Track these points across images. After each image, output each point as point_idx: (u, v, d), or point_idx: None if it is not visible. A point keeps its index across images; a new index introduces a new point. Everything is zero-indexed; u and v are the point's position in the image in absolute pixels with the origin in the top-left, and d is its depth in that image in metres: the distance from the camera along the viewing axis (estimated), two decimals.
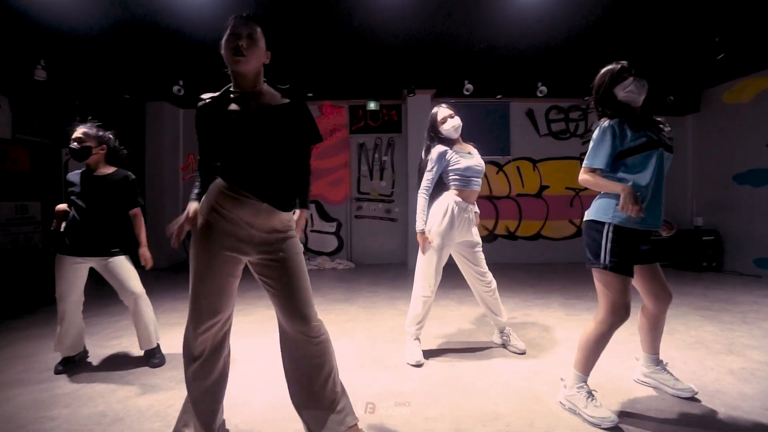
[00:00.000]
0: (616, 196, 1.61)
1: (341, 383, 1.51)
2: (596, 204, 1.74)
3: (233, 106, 1.41)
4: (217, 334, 1.41)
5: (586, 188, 6.17)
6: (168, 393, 1.96)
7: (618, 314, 1.65)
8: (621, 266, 1.63)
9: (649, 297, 1.85)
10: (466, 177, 2.35)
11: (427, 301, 2.42)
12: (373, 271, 5.64)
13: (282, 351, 1.49)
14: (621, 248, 1.64)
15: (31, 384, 2.07)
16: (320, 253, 6.26)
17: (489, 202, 6.26)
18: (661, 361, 1.96)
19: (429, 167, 2.36)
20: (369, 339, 2.80)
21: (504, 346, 2.56)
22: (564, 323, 3.14)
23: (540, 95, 5.40)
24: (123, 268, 2.26)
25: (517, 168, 6.31)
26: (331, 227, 6.35)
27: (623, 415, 1.72)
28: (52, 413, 1.77)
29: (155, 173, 6.07)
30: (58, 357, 2.31)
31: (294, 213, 1.60)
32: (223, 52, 1.40)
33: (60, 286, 2.17)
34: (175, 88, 5.27)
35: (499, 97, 5.71)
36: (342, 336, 2.85)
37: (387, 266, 6.01)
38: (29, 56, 4.44)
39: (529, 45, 4.35)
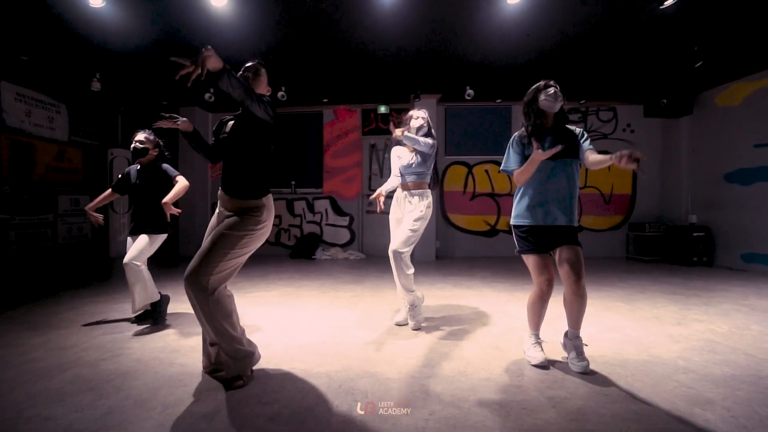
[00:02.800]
0: (519, 200, 2.13)
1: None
2: None
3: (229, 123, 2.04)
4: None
5: (584, 186, 6.51)
6: None
7: (538, 286, 2.08)
8: (523, 250, 2.11)
9: (562, 277, 2.04)
10: (401, 173, 2.86)
11: (392, 261, 2.76)
12: (381, 261, 6.16)
13: None
14: (522, 239, 2.11)
15: (109, 329, 2.70)
16: (334, 245, 6.84)
17: (491, 199, 6.69)
18: (579, 337, 2.11)
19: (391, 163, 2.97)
20: (370, 308, 3.32)
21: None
22: None
23: None
24: (139, 241, 2.78)
25: None
26: (344, 221, 6.92)
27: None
28: (128, 344, 2.38)
29: (187, 171, 6.72)
30: (122, 315, 2.98)
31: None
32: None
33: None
34: (207, 95, 5.95)
35: (498, 101, 6.13)
36: (348, 306, 3.39)
37: None
38: (85, 70, 5.18)
39: (523, 54, 4.78)
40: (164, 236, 2.90)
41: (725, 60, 4.86)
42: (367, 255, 6.70)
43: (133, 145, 2.88)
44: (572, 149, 2.06)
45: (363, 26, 4.11)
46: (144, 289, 2.73)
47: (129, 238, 2.85)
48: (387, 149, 6.86)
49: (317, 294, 3.88)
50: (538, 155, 1.94)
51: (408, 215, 2.78)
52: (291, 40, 4.42)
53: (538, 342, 2.19)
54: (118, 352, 2.26)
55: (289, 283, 4.42)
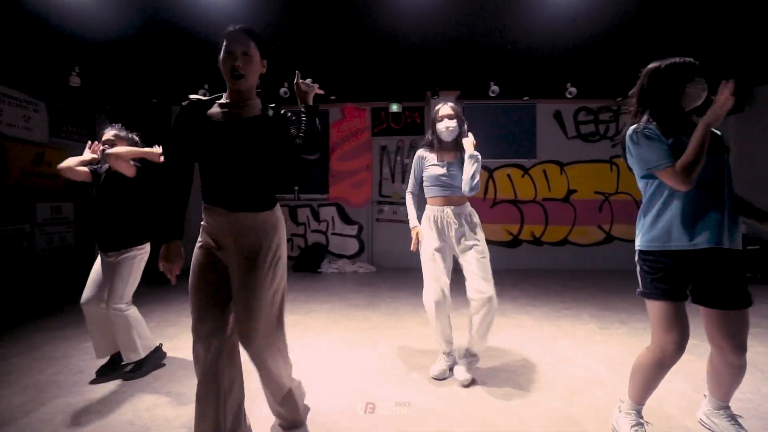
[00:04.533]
0: (657, 215, 1.49)
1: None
2: None
3: (216, 115, 1.43)
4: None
5: (616, 192, 5.96)
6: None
7: (659, 346, 1.48)
8: (651, 293, 1.49)
9: (710, 341, 1.54)
10: (431, 185, 2.25)
11: (433, 307, 2.18)
12: (394, 275, 5.58)
13: None
14: (649, 274, 1.51)
15: (65, 387, 2.11)
16: (341, 256, 6.25)
17: (514, 206, 6.10)
18: (728, 407, 1.66)
19: (411, 169, 2.35)
20: (393, 349, 2.74)
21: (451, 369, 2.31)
22: (597, 336, 2.99)
23: (569, 96, 5.20)
24: (120, 269, 2.22)
25: (544, 171, 6.11)
26: (353, 230, 6.33)
27: None
28: (85, 418, 1.79)
29: None
30: (88, 359, 2.40)
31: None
32: (221, 69, 1.41)
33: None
34: (200, 92, 5.37)
35: (525, 98, 5.54)
36: (365, 345, 2.81)
37: (408, 270, 5.92)
38: (64, 64, 4.60)
39: (559, 44, 4.18)
40: (145, 253, 2.32)
41: None
42: (377, 267, 6.11)
43: (101, 147, 2.32)
44: (720, 143, 1.46)
45: (386, 10, 3.51)
46: (128, 338, 2.16)
47: (100, 258, 2.29)
48: (400, 151, 6.26)
49: (327, 324, 3.29)
50: (723, 99, 1.33)
51: (466, 243, 2.15)
52: (296, 27, 3.83)
53: (641, 423, 1.60)
54: None
55: (293, 307, 3.83)
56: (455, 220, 2.18)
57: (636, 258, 1.58)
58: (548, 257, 6.00)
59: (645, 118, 1.51)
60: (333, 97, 5.79)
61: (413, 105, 6.13)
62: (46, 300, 4.12)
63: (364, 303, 4.03)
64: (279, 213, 1.53)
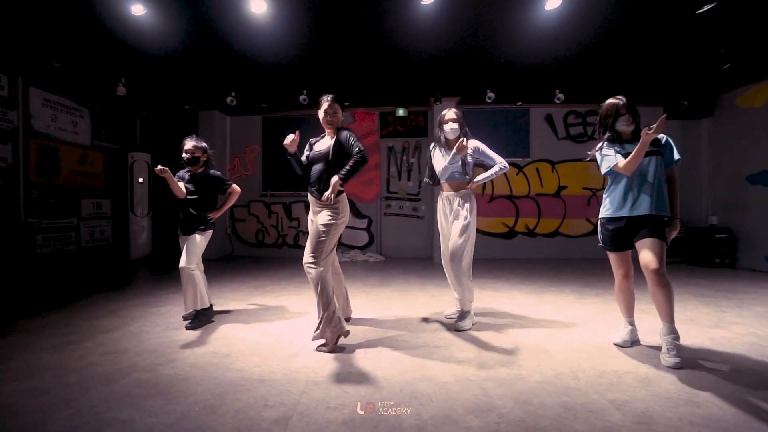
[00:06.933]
0: (606, 197, 2.38)
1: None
2: None
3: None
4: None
5: (602, 188, 6.52)
6: (256, 340, 2.58)
7: (616, 278, 2.45)
8: (607, 247, 2.42)
9: (641, 264, 2.25)
10: (439, 174, 2.91)
11: (443, 261, 3.05)
12: (402, 263, 6.19)
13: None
14: (604, 233, 2.41)
15: (152, 334, 2.73)
16: (353, 247, 6.86)
17: (509, 201, 6.70)
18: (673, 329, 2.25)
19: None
20: (405, 311, 3.35)
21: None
22: (574, 303, 3.59)
23: (557, 102, 5.81)
24: (189, 244, 2.85)
25: (537, 169, 6.72)
26: (363, 223, 6.95)
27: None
28: (179, 350, 2.41)
29: None
30: (157, 317, 3.06)
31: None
32: (320, 117, 2.58)
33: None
34: (228, 99, 5.99)
35: (519, 103, 6.15)
36: (383, 309, 3.42)
37: (414, 260, 6.55)
38: (113, 74, 5.22)
39: (547, 58, 4.79)
40: (211, 232, 2.97)
41: (748, 61, 4.86)
42: (386, 257, 6.72)
43: (185, 156, 2.91)
44: (654, 145, 2.24)
45: (396, 31, 4.14)
46: (194, 293, 2.78)
47: (180, 237, 2.93)
48: (406, 152, 6.89)
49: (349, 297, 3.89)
50: (648, 136, 2.06)
51: (455, 221, 2.84)
52: (320, 44, 4.45)
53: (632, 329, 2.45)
54: (172, 357, 2.29)
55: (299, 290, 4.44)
56: (452, 201, 2.83)
57: (598, 223, 2.44)
58: (541, 247, 6.60)
59: (605, 138, 2.34)
60: (347, 104, 6.41)
61: (418, 110, 6.75)
62: (102, 280, 4.74)
63: (378, 283, 4.65)
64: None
